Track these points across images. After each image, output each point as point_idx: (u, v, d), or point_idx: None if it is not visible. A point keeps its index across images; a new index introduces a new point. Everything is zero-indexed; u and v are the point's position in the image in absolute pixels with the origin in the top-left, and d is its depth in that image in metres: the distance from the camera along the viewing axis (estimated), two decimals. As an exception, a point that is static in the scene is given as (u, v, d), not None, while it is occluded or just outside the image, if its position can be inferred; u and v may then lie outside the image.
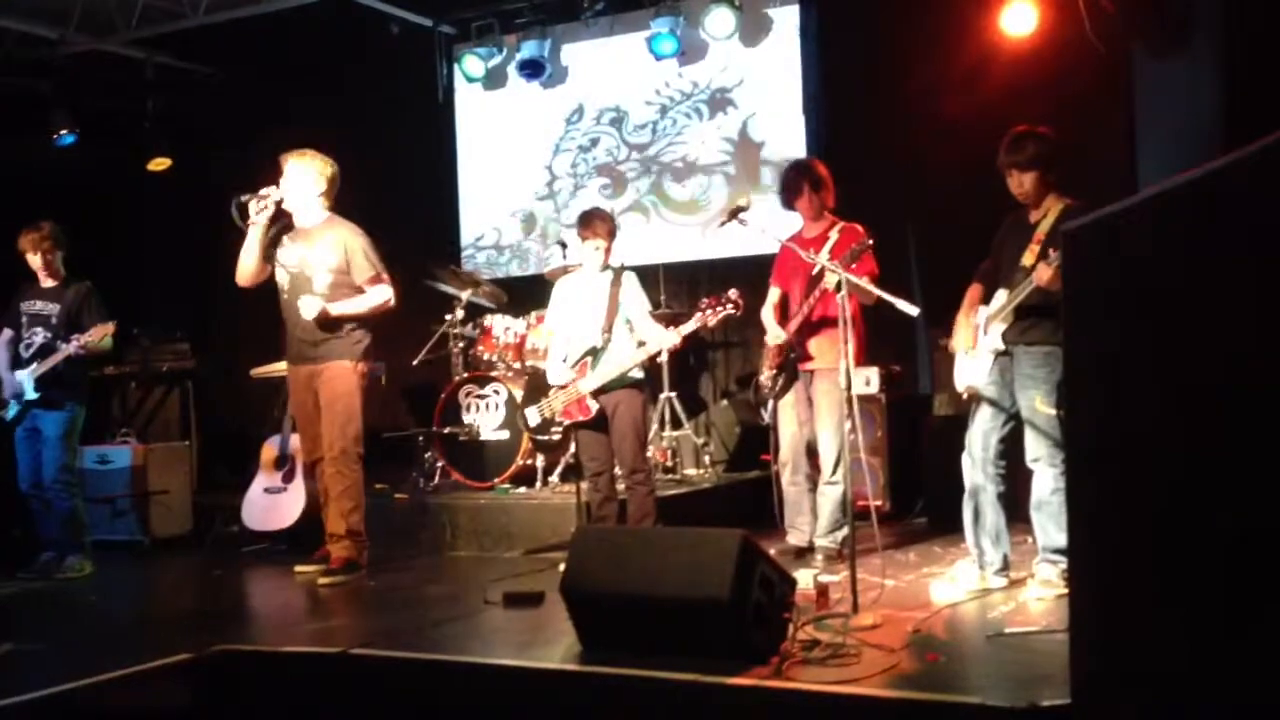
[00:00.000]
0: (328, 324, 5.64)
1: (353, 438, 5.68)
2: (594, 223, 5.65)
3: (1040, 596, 4.49)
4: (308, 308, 5.60)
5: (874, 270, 5.08)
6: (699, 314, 5.38)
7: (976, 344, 4.73)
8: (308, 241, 5.73)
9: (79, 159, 8.87)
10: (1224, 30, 5.37)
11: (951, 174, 6.65)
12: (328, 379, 5.66)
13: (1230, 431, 1.96)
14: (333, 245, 5.69)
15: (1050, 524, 4.57)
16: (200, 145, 9.10)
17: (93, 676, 3.82)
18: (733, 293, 5.37)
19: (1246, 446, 1.91)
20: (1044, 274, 4.37)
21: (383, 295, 5.71)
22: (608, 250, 5.66)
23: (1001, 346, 4.64)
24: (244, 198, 5.61)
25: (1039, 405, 4.54)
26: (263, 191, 5.61)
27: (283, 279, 5.75)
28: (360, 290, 5.70)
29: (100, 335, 6.05)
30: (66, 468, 6.23)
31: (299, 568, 5.79)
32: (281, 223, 5.74)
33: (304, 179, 5.69)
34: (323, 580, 5.59)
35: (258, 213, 5.60)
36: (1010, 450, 4.71)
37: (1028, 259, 4.57)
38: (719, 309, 5.32)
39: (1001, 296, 4.66)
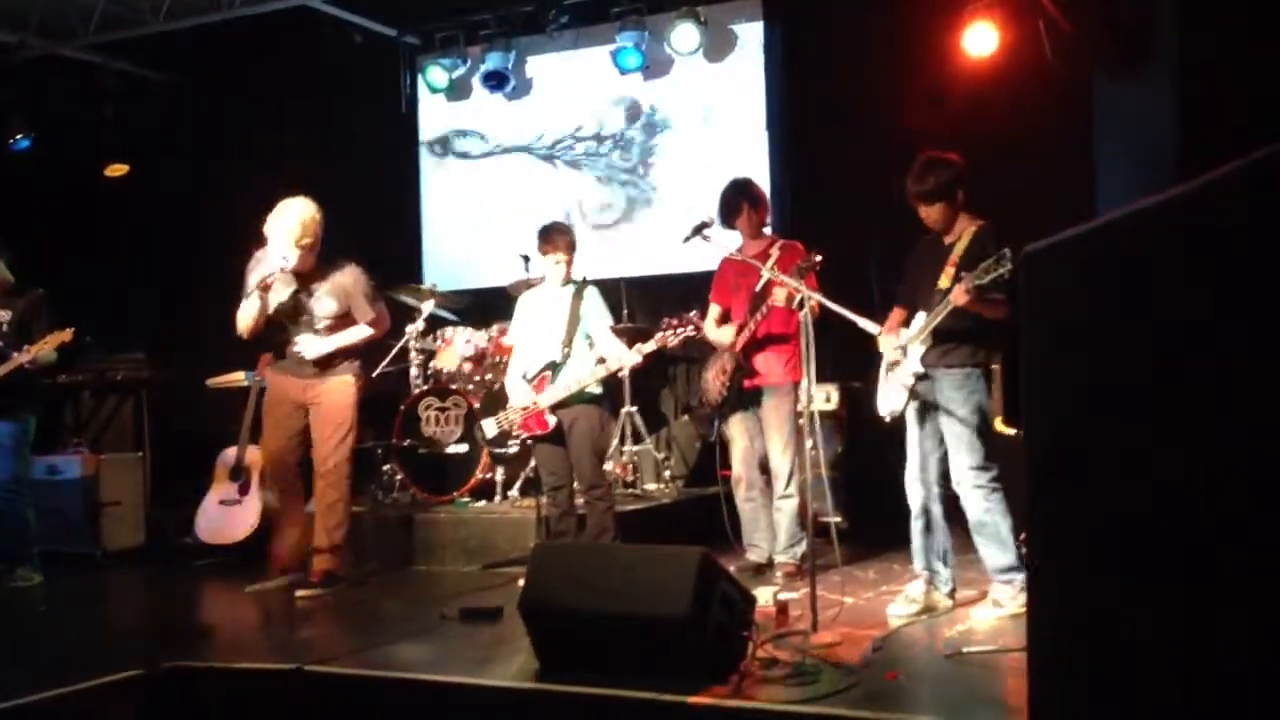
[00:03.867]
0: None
1: (347, 452, 5.66)
2: (554, 237, 5.64)
3: (997, 616, 4.51)
4: (309, 347, 5.59)
5: (815, 287, 5.07)
6: (660, 334, 5.38)
7: (899, 365, 4.75)
8: (305, 284, 5.62)
9: (35, 164, 8.76)
10: (1180, 55, 5.44)
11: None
12: (328, 391, 5.64)
13: (1193, 447, 1.98)
14: (331, 293, 5.63)
15: (992, 545, 4.59)
16: (159, 152, 9.00)
17: (40, 693, 3.74)
18: (693, 314, 5.38)
19: (1210, 462, 1.93)
20: (959, 296, 4.42)
21: (379, 329, 5.78)
22: (568, 264, 5.65)
23: (921, 370, 4.66)
24: (263, 281, 5.44)
25: (960, 425, 4.57)
26: (269, 276, 5.42)
27: (281, 309, 5.62)
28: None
29: (55, 343, 5.97)
30: (18, 477, 6.14)
31: (250, 587, 5.68)
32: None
33: (285, 235, 5.42)
34: (302, 593, 5.54)
35: (260, 285, 5.45)
36: None
37: (944, 282, 4.60)
38: (680, 330, 5.32)
39: (920, 319, 4.68)
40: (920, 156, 4.69)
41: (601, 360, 5.53)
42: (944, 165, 4.64)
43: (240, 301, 5.58)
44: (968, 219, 4.69)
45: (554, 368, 5.57)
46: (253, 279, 5.52)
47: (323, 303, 5.65)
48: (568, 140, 8.59)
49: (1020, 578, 4.43)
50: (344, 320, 5.68)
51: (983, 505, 4.55)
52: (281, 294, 5.55)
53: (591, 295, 5.66)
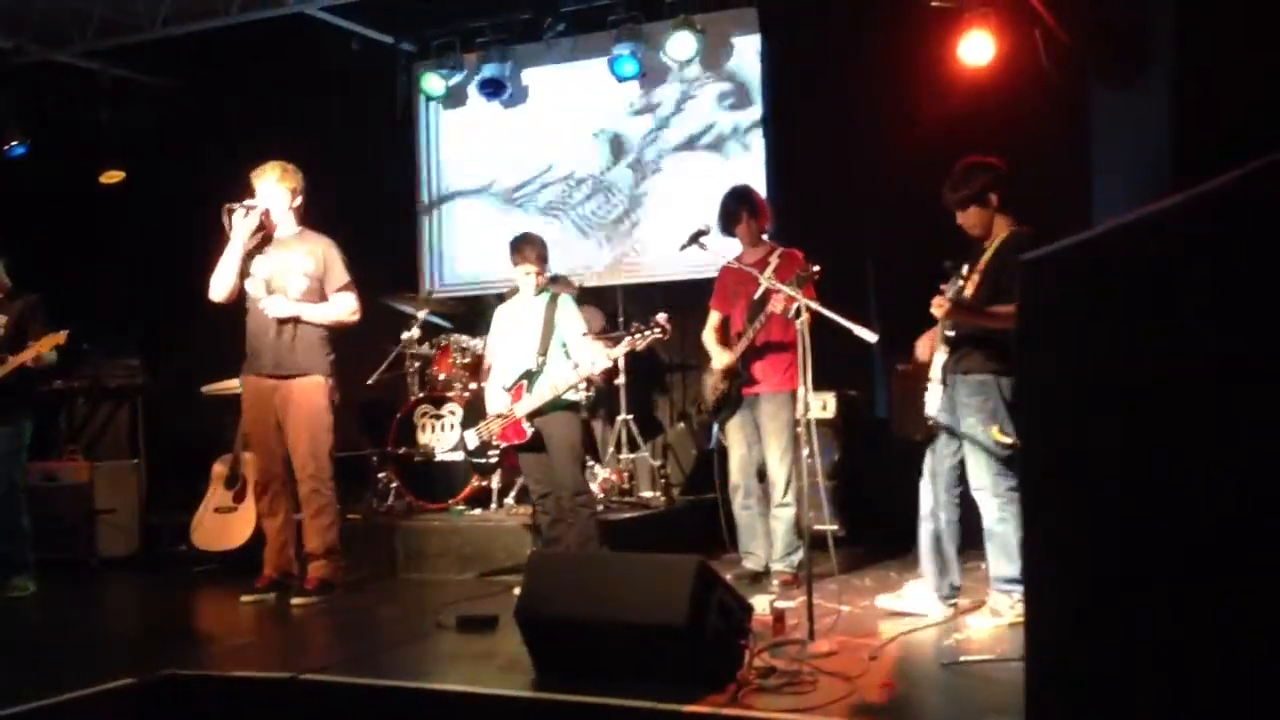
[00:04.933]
0: (297, 335, 5.59)
1: (327, 454, 5.63)
2: (523, 248, 5.66)
3: (995, 625, 4.50)
4: (274, 305, 5.56)
5: (813, 296, 5.07)
6: (627, 338, 5.38)
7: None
8: (283, 252, 5.70)
9: (31, 170, 8.74)
10: (1177, 60, 5.45)
11: (909, 201, 6.69)
12: (299, 394, 5.60)
13: (1193, 449, 1.97)
14: (310, 253, 5.69)
15: (1000, 554, 4.58)
16: (155, 158, 8.99)
17: (33, 702, 3.72)
18: (661, 317, 5.33)
19: (1210, 463, 1.92)
20: (935, 308, 4.41)
21: (350, 305, 5.71)
22: (539, 274, 5.68)
23: (939, 375, 4.66)
24: (233, 206, 5.58)
25: (976, 432, 4.56)
26: (248, 202, 5.60)
27: (255, 289, 5.66)
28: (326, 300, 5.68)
29: (50, 345, 5.96)
30: (14, 483, 6.13)
31: (245, 597, 5.65)
32: (261, 234, 5.70)
33: (275, 193, 5.66)
34: (297, 601, 5.52)
35: (243, 221, 5.56)
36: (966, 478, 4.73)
37: (969, 289, 4.60)
38: (647, 333, 5.30)
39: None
40: (959, 162, 4.67)
41: (575, 367, 5.51)
42: (979, 171, 4.62)
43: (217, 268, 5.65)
44: (1005, 224, 4.65)
45: (530, 377, 5.57)
46: (237, 217, 5.56)
47: (299, 262, 5.65)
48: (561, 147, 8.58)
49: (1020, 589, 4.41)
50: (317, 289, 5.67)
51: (996, 515, 4.54)
52: (253, 219, 5.60)
53: (565, 303, 5.68)
